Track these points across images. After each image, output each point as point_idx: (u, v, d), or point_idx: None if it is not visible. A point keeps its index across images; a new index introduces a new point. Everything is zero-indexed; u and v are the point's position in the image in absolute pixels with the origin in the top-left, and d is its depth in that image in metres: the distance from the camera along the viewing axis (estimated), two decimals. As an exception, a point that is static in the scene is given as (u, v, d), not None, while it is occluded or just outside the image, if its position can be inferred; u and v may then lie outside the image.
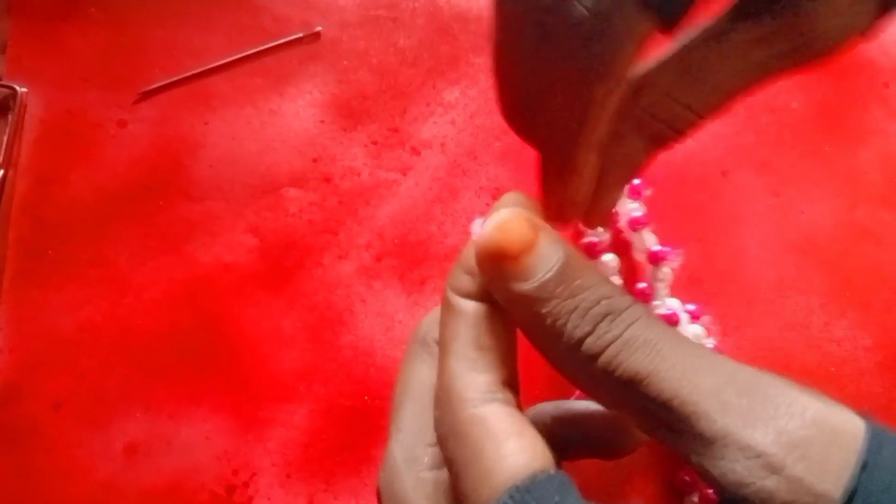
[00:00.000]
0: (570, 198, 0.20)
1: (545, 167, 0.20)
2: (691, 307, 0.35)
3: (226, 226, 0.36)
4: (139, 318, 0.35)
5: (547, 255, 0.17)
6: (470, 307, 0.18)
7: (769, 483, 0.14)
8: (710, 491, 0.32)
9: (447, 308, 0.19)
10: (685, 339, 0.17)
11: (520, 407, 0.18)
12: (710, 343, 0.34)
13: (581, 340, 0.17)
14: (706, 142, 0.39)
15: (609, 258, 0.35)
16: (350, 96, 0.38)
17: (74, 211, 0.36)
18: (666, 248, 0.35)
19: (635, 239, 0.35)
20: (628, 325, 0.17)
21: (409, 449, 0.20)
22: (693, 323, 0.34)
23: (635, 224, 0.35)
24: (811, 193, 0.38)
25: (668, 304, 0.34)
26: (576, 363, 0.17)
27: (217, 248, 0.36)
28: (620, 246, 0.36)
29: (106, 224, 0.36)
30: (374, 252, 0.36)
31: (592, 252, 0.35)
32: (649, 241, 0.35)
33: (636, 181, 0.36)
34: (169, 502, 0.33)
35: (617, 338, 0.16)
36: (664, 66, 0.20)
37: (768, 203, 0.38)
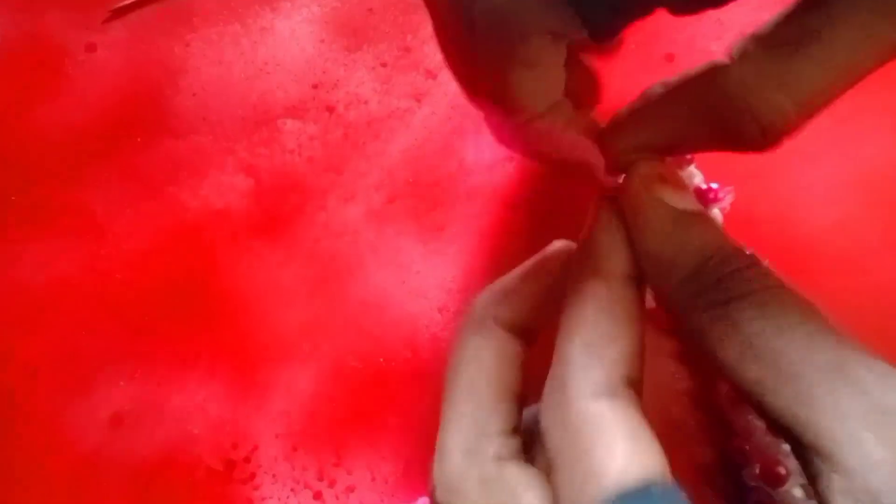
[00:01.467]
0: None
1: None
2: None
3: (214, 165, 0.35)
4: (120, 272, 0.34)
5: (695, 202, 0.19)
6: (605, 287, 0.19)
7: None
8: (775, 464, 0.28)
9: (579, 285, 0.19)
10: (812, 313, 0.17)
11: (643, 411, 0.18)
12: None
13: (709, 285, 0.17)
14: None
15: None
16: (354, 11, 0.37)
17: (40, 150, 0.35)
18: (716, 186, 0.32)
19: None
20: (760, 286, 0.17)
21: (471, 440, 0.19)
22: None
23: (679, 160, 0.31)
24: (879, 123, 0.35)
25: None
26: (693, 304, 0.18)
27: (205, 191, 0.35)
28: None
29: (77, 165, 0.35)
30: (385, 193, 0.35)
31: None
32: (696, 178, 0.32)
33: None
34: (161, 479, 0.31)
35: (759, 289, 0.17)
36: (768, 37, 0.17)
37: (833, 132, 0.35)
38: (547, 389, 0.18)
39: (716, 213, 0.32)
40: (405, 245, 0.34)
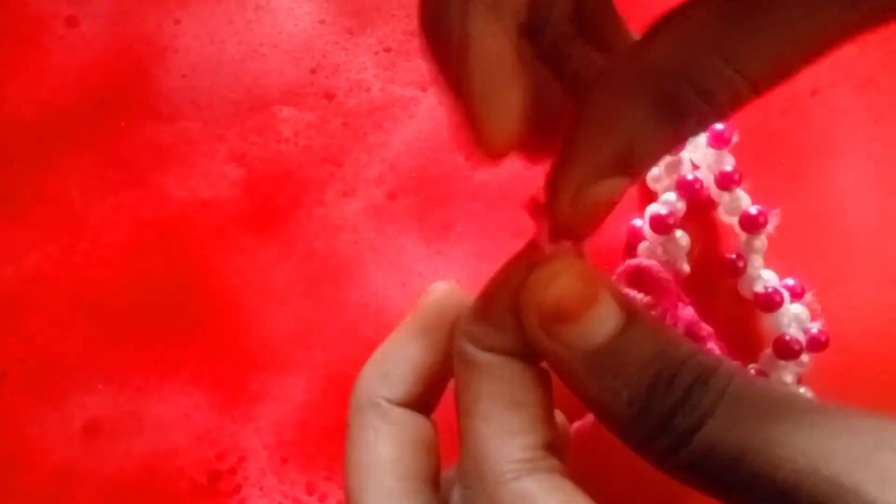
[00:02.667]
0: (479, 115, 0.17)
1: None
2: (790, 281, 0.31)
3: (203, 152, 0.34)
4: (98, 268, 0.33)
5: (612, 310, 0.17)
6: (497, 362, 0.17)
7: None
8: None
9: (466, 364, 0.18)
10: (796, 394, 0.17)
11: (568, 474, 0.17)
12: (815, 327, 0.31)
13: (669, 417, 0.15)
14: None
15: (680, 235, 0.31)
16: (357, -11, 0.37)
17: (13, 131, 0.34)
18: (762, 209, 0.31)
19: (725, 199, 0.31)
20: (726, 386, 0.16)
21: None
22: (794, 302, 0.31)
23: (727, 181, 0.31)
24: None
25: (765, 278, 0.31)
26: (660, 446, 0.16)
27: (193, 181, 0.34)
28: (694, 209, 0.32)
29: (53, 149, 0.34)
30: (387, 188, 0.34)
31: (663, 227, 0.30)
32: (743, 200, 0.31)
33: (719, 125, 0.32)
34: (140, 492, 0.31)
35: (715, 407, 0.15)
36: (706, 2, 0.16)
37: (869, 130, 0.35)
38: (463, 474, 0.17)
39: (763, 239, 0.31)
40: (407, 244, 0.34)
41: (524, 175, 0.33)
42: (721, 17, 0.15)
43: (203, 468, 0.31)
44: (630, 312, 0.17)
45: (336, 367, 0.32)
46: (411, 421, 0.19)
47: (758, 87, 0.16)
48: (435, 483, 0.19)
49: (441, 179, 0.34)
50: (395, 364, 0.19)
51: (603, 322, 0.17)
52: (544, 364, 0.18)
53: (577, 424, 0.29)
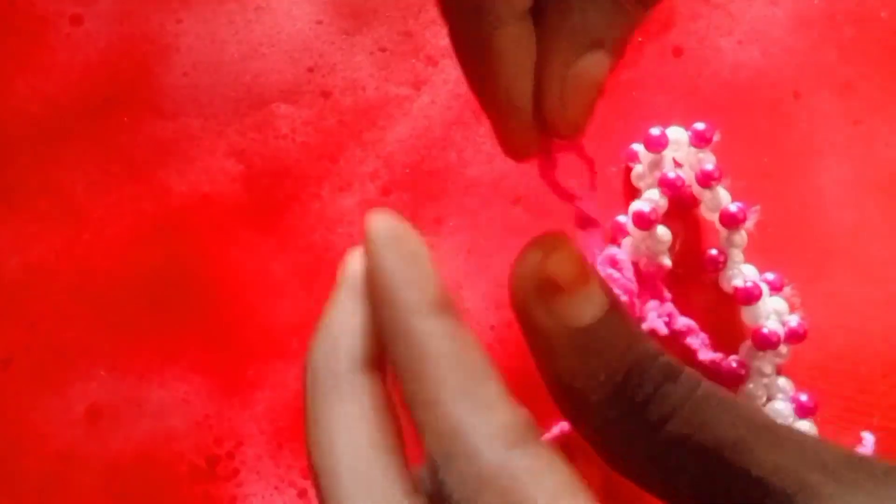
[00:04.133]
0: (509, 98, 0.18)
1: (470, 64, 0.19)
2: (770, 276, 0.31)
3: (204, 148, 0.34)
4: (100, 259, 0.33)
5: (599, 293, 0.17)
6: (445, 327, 0.16)
7: None
8: None
9: (422, 339, 0.16)
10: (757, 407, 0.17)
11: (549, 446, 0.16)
12: (793, 320, 0.31)
13: (643, 404, 0.16)
14: (776, 56, 0.35)
15: (662, 232, 0.31)
16: (353, -9, 0.37)
17: (19, 126, 0.34)
18: (742, 206, 0.31)
19: (706, 197, 0.32)
20: (697, 385, 0.16)
21: None
22: (773, 295, 0.31)
23: (707, 179, 0.31)
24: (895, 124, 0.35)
25: (746, 272, 0.31)
26: (630, 433, 0.16)
27: (193, 176, 0.34)
28: (677, 206, 0.33)
29: (58, 143, 0.34)
30: (381, 183, 0.34)
31: (645, 223, 0.31)
32: (724, 198, 0.31)
33: (701, 125, 0.32)
34: (140, 475, 0.31)
35: (688, 398, 0.16)
36: None
37: (849, 132, 0.35)
38: (442, 462, 0.16)
39: (743, 235, 0.31)
40: None
41: (514, 172, 0.33)
42: None
43: (202, 452, 0.31)
44: (612, 300, 0.17)
45: None
46: (370, 385, 0.18)
47: None
48: (401, 439, 0.17)
49: (434, 175, 0.34)
50: (342, 331, 0.18)
51: (592, 303, 0.16)
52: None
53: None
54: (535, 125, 0.19)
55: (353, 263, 0.19)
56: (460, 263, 0.33)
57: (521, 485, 0.14)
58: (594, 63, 0.18)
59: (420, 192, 0.34)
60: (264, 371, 0.32)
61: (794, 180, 0.34)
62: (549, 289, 0.16)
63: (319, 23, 0.36)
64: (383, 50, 0.35)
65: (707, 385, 0.16)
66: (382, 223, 0.18)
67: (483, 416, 0.15)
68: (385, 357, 0.18)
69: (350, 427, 0.17)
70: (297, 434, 0.31)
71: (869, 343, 0.32)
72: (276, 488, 0.31)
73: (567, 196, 0.20)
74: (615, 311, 0.17)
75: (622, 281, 0.29)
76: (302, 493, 0.31)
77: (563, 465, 0.15)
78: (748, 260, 0.32)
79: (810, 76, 0.35)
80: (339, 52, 0.35)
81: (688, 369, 0.16)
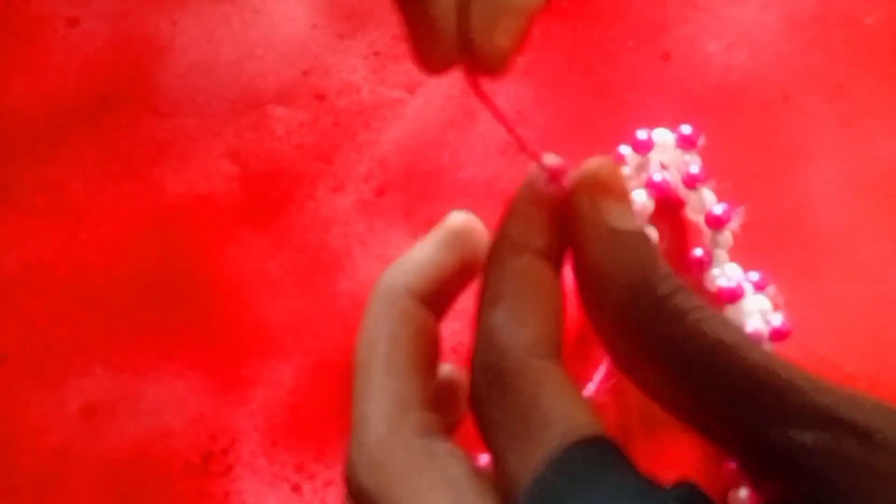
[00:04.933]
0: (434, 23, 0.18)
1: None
2: (754, 276, 0.32)
3: (200, 148, 0.34)
4: (97, 257, 0.33)
5: (633, 217, 0.19)
6: (526, 261, 0.19)
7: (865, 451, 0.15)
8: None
9: (498, 258, 0.19)
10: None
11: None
12: (777, 319, 0.31)
13: (664, 298, 0.17)
14: (765, 61, 0.36)
15: (649, 232, 0.32)
16: (349, -6, 0.37)
17: (16, 125, 0.34)
18: (727, 207, 0.31)
19: (692, 198, 0.32)
20: (703, 305, 0.17)
21: (394, 416, 0.19)
22: (757, 293, 0.31)
23: (692, 181, 0.32)
24: (889, 125, 0.35)
25: (729, 272, 0.31)
26: (654, 316, 0.17)
27: (190, 175, 0.34)
28: (663, 208, 0.33)
29: (55, 142, 0.34)
30: (376, 184, 0.34)
31: None
32: (709, 199, 0.32)
33: (687, 129, 0.32)
34: (135, 471, 0.31)
35: (699, 305, 0.17)
36: None
37: (838, 135, 0.35)
38: (475, 355, 0.18)
39: (727, 235, 0.32)
40: (394, 238, 0.34)
41: (507, 173, 0.33)
42: None
43: (197, 449, 0.31)
44: (643, 230, 0.19)
45: (325, 354, 0.32)
46: (422, 312, 0.20)
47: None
48: (434, 370, 0.20)
49: (427, 176, 0.34)
50: (414, 264, 0.21)
51: (628, 217, 0.19)
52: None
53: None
54: (457, 44, 0.18)
55: (456, 218, 0.21)
56: (453, 263, 0.33)
57: (531, 387, 0.17)
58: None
59: (413, 193, 0.34)
60: (259, 369, 0.32)
61: (783, 182, 0.35)
62: (602, 187, 0.19)
63: (315, 26, 0.36)
64: (377, 53, 0.36)
65: (712, 309, 0.18)
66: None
67: (521, 330, 0.18)
68: (445, 304, 0.21)
69: (394, 332, 0.19)
70: (291, 431, 0.32)
71: (855, 342, 0.32)
72: (270, 484, 0.31)
73: (500, 116, 0.20)
74: (644, 235, 0.19)
75: None
76: (295, 488, 0.31)
77: (569, 379, 0.17)
78: (738, 260, 0.32)
79: (799, 79, 0.36)
80: (334, 55, 0.36)
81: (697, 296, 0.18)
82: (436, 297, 0.21)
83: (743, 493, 0.29)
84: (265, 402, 0.32)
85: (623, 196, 0.19)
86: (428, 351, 0.20)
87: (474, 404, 0.18)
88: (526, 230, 0.19)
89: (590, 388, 0.30)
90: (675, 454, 0.32)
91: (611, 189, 0.19)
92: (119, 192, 0.34)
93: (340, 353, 0.32)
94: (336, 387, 0.32)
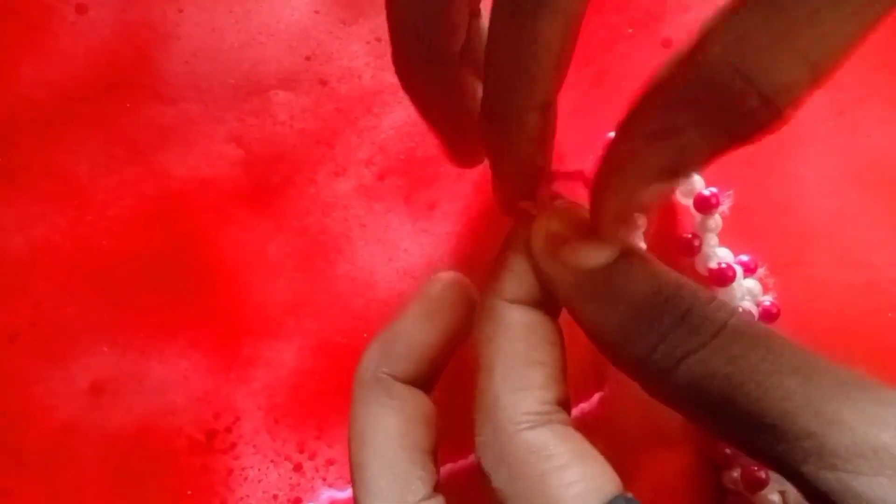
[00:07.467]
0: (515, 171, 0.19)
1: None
2: (744, 258, 0.32)
3: (203, 133, 0.34)
4: (102, 239, 0.33)
5: (605, 242, 0.18)
6: (518, 316, 0.18)
7: None
8: (756, 468, 0.28)
9: (490, 319, 0.18)
10: (790, 340, 0.17)
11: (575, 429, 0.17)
12: (767, 300, 0.31)
13: (657, 342, 0.16)
14: None
15: (637, 214, 0.31)
16: (350, -18, 0.36)
17: (23, 110, 0.33)
18: (716, 191, 0.31)
19: (681, 182, 0.32)
20: (727, 319, 0.16)
21: None
22: (747, 276, 0.31)
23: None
24: (882, 114, 0.35)
25: (720, 255, 0.31)
26: (650, 369, 0.17)
27: (193, 159, 0.34)
28: None
29: (62, 127, 0.34)
30: (377, 169, 0.34)
31: None
32: (697, 183, 0.32)
33: None
34: (140, 447, 0.31)
35: (712, 338, 0.16)
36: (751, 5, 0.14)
37: (831, 123, 0.35)
38: (479, 427, 0.17)
39: (717, 219, 0.32)
40: (394, 222, 0.33)
41: None
42: (771, 8, 0.14)
43: (200, 427, 0.31)
44: (625, 248, 0.18)
45: (326, 335, 0.32)
46: (414, 397, 0.19)
47: (817, 73, 0.15)
48: (434, 454, 0.19)
49: (428, 162, 0.34)
50: (399, 343, 0.20)
51: (598, 250, 0.17)
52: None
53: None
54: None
55: (435, 286, 0.20)
56: (451, 248, 0.33)
57: (538, 463, 0.16)
58: (657, 193, 0.17)
59: (414, 178, 0.34)
60: (261, 349, 0.32)
61: (775, 168, 0.34)
62: (558, 240, 0.18)
63: (317, 12, 0.35)
64: (379, 39, 0.35)
65: (738, 321, 0.16)
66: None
67: (523, 394, 0.17)
68: (435, 377, 0.20)
69: (386, 430, 0.18)
70: (292, 410, 0.32)
71: (846, 327, 0.32)
72: (272, 462, 0.31)
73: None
74: (629, 256, 0.17)
75: None
76: (297, 467, 0.31)
77: (575, 437, 0.16)
78: (728, 245, 0.32)
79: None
80: (336, 41, 0.35)
81: (719, 300, 0.17)
82: (426, 376, 0.20)
83: (735, 474, 0.29)
84: (267, 381, 0.32)
85: (583, 232, 0.17)
86: (422, 436, 0.19)
87: (486, 473, 0.17)
88: (514, 283, 0.18)
89: (584, 408, 0.29)
90: (671, 468, 0.31)
91: (567, 236, 0.18)
92: (124, 176, 0.33)
93: (341, 334, 0.32)
94: (337, 367, 0.32)
